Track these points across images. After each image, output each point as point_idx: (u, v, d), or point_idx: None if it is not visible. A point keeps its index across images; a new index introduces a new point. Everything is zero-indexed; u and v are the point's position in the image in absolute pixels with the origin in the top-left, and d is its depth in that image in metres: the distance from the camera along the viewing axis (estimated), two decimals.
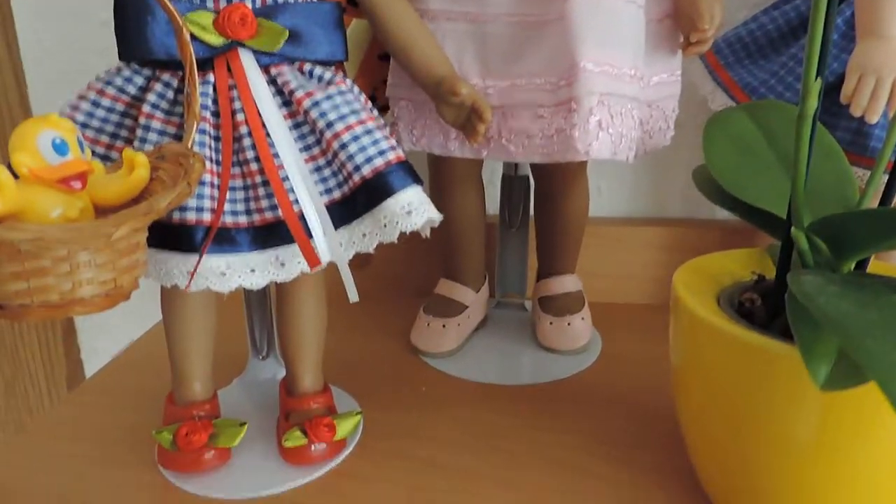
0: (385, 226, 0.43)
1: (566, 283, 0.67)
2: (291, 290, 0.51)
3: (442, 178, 0.62)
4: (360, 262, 0.82)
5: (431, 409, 0.57)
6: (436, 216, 0.43)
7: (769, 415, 0.37)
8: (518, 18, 0.48)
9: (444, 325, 0.65)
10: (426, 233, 0.47)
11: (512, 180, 0.69)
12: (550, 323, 0.65)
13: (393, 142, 0.44)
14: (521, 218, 0.71)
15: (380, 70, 0.61)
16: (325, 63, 0.46)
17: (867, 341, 0.25)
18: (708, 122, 0.49)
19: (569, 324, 0.64)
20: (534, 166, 0.63)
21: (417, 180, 0.43)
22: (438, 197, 0.63)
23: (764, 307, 0.38)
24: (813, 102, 0.33)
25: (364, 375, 0.63)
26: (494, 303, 0.75)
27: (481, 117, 0.46)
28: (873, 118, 0.49)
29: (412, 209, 0.42)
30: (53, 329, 0.99)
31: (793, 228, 0.36)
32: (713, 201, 0.47)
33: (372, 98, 0.64)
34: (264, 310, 0.60)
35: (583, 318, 0.65)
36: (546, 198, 0.64)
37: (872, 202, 0.40)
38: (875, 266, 0.45)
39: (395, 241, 0.45)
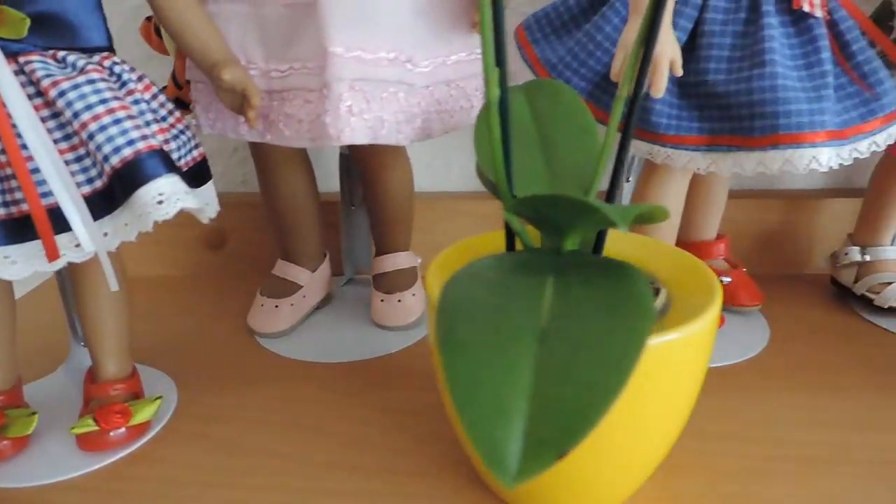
0: (140, 215, 0.43)
1: (399, 260, 0.68)
2: (83, 277, 0.51)
3: (261, 160, 0.62)
4: (216, 243, 0.83)
5: (250, 390, 0.58)
6: (194, 206, 0.44)
7: None
8: (290, 1, 0.48)
9: (276, 306, 0.66)
10: (205, 220, 0.48)
11: (348, 158, 0.70)
12: (381, 300, 0.66)
13: (146, 130, 0.43)
14: (360, 196, 0.71)
15: None
16: (84, 50, 0.45)
17: (461, 332, 0.26)
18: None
19: (399, 300, 0.65)
20: (350, 146, 0.64)
21: (172, 169, 0.43)
22: (262, 178, 0.64)
23: None
24: (494, 91, 0.34)
25: (195, 357, 0.64)
26: (344, 280, 0.76)
27: (250, 102, 0.46)
28: None
29: (164, 199, 0.42)
30: None
31: (504, 211, 0.38)
32: (480, 179, 0.48)
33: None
34: None
35: (414, 294, 0.66)
36: (366, 177, 0.64)
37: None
38: (618, 240, 0.47)
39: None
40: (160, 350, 0.64)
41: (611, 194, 0.43)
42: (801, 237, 0.78)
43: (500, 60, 0.34)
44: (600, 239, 0.43)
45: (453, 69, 0.55)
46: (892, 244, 0.70)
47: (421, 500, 0.45)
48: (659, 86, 0.50)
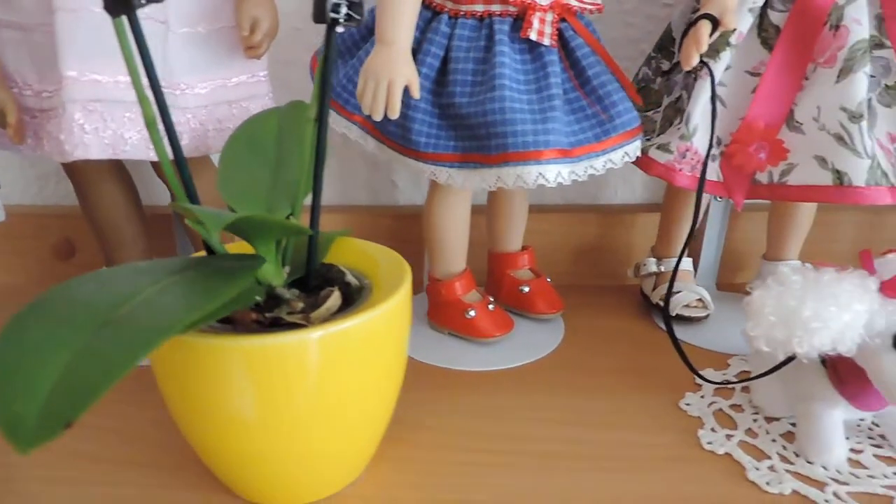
0: None
1: None
2: None
3: (74, 175, 0.65)
4: (64, 253, 0.86)
5: None
6: None
7: (207, 399, 0.42)
8: (51, 28, 0.52)
9: None
10: None
11: None
12: None
13: None
14: None
15: None
16: None
17: None
18: (246, 120, 0.54)
19: None
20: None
21: None
22: (78, 192, 0.67)
23: None
24: (149, 111, 0.38)
25: None
26: None
27: (6, 120, 0.50)
28: (376, 116, 0.55)
29: None
30: None
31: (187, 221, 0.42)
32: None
33: None
34: None
35: None
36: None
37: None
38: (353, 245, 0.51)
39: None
40: None
41: (314, 207, 0.47)
42: (620, 249, 0.82)
43: (154, 84, 0.38)
44: (312, 245, 0.47)
45: (235, 91, 0.60)
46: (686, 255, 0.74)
47: (159, 490, 0.49)
48: (393, 107, 0.54)
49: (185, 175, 0.41)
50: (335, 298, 0.43)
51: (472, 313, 0.66)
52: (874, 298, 0.43)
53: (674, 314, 0.71)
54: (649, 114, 0.69)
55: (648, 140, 0.65)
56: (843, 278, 0.43)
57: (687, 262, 0.74)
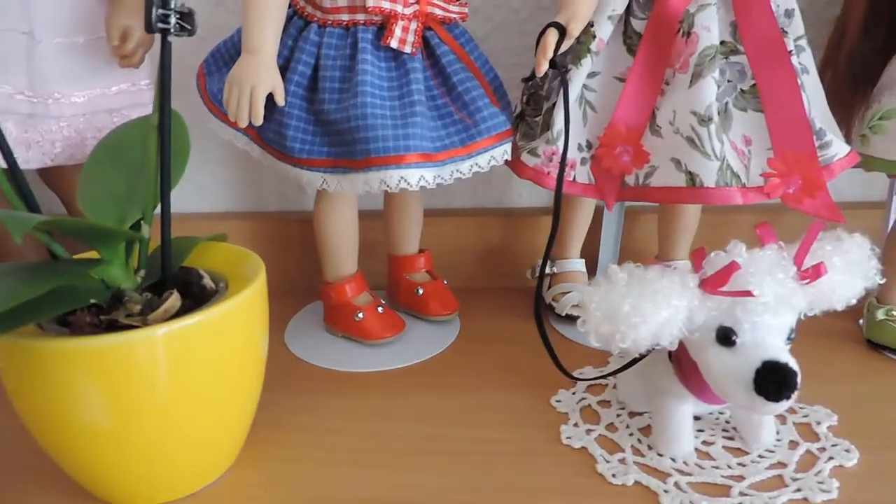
0: None
1: None
2: None
3: None
4: None
5: None
6: None
7: (50, 402, 0.43)
8: None
9: None
10: None
11: None
12: None
13: None
14: None
15: None
16: None
17: None
18: (114, 128, 0.55)
19: None
20: (45, 175, 0.68)
21: None
22: None
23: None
24: None
25: None
26: None
27: None
28: (241, 123, 0.57)
29: None
30: None
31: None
32: None
33: None
34: None
35: None
36: (65, 203, 0.69)
37: None
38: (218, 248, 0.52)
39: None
40: None
41: (163, 212, 0.48)
42: (524, 252, 0.84)
43: None
44: (164, 249, 0.48)
45: (115, 99, 0.61)
46: (580, 257, 0.76)
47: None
48: (256, 114, 0.56)
49: (19, 180, 0.42)
50: (174, 300, 0.44)
51: (361, 315, 0.68)
52: (694, 294, 0.45)
53: (563, 314, 0.73)
54: (537, 119, 0.70)
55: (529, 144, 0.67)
56: (664, 275, 0.45)
57: (579, 263, 0.76)
